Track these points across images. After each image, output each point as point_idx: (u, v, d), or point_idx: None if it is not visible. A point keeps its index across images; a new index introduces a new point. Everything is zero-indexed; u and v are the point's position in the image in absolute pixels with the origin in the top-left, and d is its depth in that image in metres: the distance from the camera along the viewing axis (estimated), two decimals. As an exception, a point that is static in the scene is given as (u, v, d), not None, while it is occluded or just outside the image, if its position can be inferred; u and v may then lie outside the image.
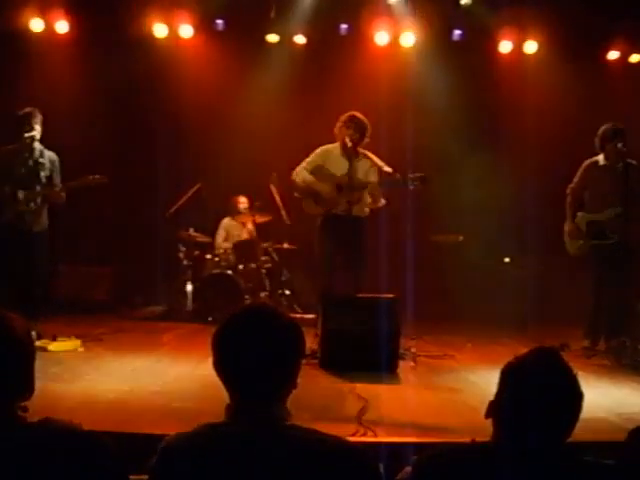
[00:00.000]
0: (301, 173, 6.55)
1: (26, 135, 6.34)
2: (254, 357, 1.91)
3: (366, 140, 6.42)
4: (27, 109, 6.42)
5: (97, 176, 6.54)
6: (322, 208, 6.49)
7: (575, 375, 1.95)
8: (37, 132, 6.41)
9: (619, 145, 6.40)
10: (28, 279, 6.44)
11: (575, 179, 6.78)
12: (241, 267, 8.27)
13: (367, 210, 6.52)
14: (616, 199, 6.40)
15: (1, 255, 6.42)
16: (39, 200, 6.48)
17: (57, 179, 6.58)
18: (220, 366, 1.96)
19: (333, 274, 6.47)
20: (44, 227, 6.57)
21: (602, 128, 6.56)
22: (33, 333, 5.84)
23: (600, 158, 6.61)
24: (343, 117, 6.44)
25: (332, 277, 6.47)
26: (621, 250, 6.39)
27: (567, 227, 6.78)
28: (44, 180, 6.51)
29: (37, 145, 6.48)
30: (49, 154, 6.58)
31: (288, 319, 2.02)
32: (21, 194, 6.41)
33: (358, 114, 6.42)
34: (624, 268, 6.40)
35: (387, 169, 6.41)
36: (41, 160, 6.48)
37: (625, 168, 6.34)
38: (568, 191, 6.79)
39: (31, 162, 6.48)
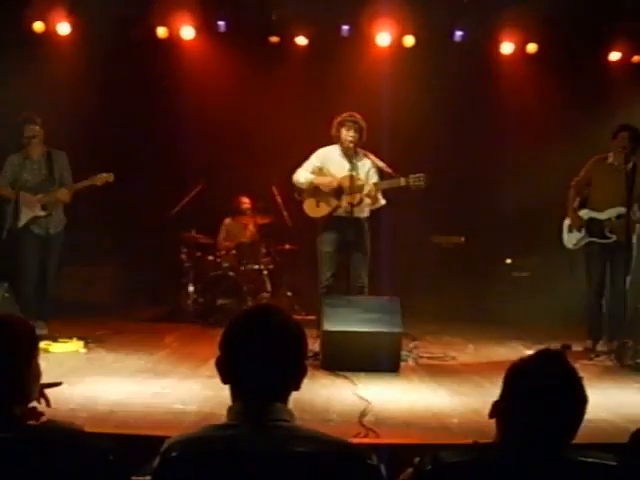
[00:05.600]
0: (301, 174, 6.55)
1: (27, 137, 6.38)
2: (260, 357, 1.91)
3: (363, 138, 6.41)
4: (25, 113, 6.47)
5: (104, 174, 6.58)
6: (323, 210, 6.48)
7: (580, 379, 1.95)
8: (39, 132, 6.46)
9: (620, 144, 6.41)
10: (41, 280, 6.51)
11: (581, 173, 6.77)
12: (243, 268, 8.27)
13: (368, 211, 6.52)
14: (620, 199, 6.38)
15: (17, 257, 6.49)
16: (53, 204, 6.54)
17: (68, 177, 6.65)
18: (226, 365, 1.96)
19: (334, 275, 6.47)
20: (60, 228, 6.66)
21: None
22: (45, 332, 5.95)
23: (610, 155, 6.60)
24: (339, 118, 6.43)
25: (333, 278, 6.46)
26: (621, 250, 6.38)
27: (567, 220, 6.77)
28: (57, 182, 6.56)
29: (43, 148, 6.53)
30: (57, 153, 6.62)
31: (294, 321, 2.03)
32: (37, 201, 6.45)
33: (354, 114, 6.41)
34: (625, 269, 6.39)
35: (388, 170, 6.40)
36: (51, 163, 6.53)
37: (633, 169, 6.31)
38: (572, 183, 6.78)
39: (42, 166, 6.53)
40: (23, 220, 6.49)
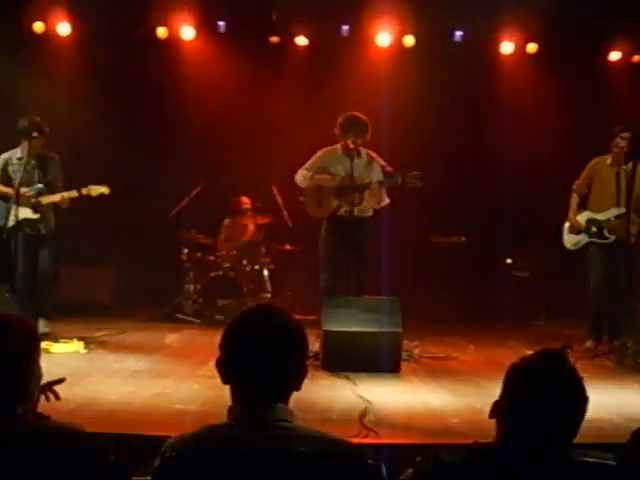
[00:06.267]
0: (303, 174, 6.56)
1: (32, 142, 6.40)
2: (261, 357, 1.91)
3: (367, 137, 6.41)
4: (37, 118, 6.48)
5: (99, 187, 6.57)
6: (325, 210, 6.47)
7: (580, 378, 1.95)
8: (43, 142, 6.49)
9: (620, 145, 6.41)
10: (37, 280, 6.51)
11: (582, 175, 6.78)
12: (243, 269, 8.27)
13: (371, 210, 6.51)
14: (619, 200, 6.38)
15: (10, 257, 6.49)
16: (45, 206, 6.54)
17: (61, 181, 6.65)
18: (226, 366, 1.96)
19: (337, 275, 6.46)
20: (51, 229, 6.65)
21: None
22: (47, 330, 5.94)
23: (609, 156, 6.60)
24: (341, 119, 6.41)
25: (336, 278, 6.45)
26: (620, 250, 6.37)
27: (567, 222, 6.79)
28: (49, 185, 6.56)
29: (40, 150, 6.54)
30: (51, 156, 6.63)
31: (295, 321, 2.03)
32: (28, 202, 6.45)
33: (356, 114, 6.38)
34: (625, 268, 6.39)
35: (388, 168, 6.41)
36: (45, 165, 6.53)
37: (633, 169, 6.31)
38: (573, 186, 6.80)
39: (37, 168, 6.53)
40: (20, 217, 6.46)
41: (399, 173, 6.32)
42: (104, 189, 6.60)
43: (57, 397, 2.55)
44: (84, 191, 6.56)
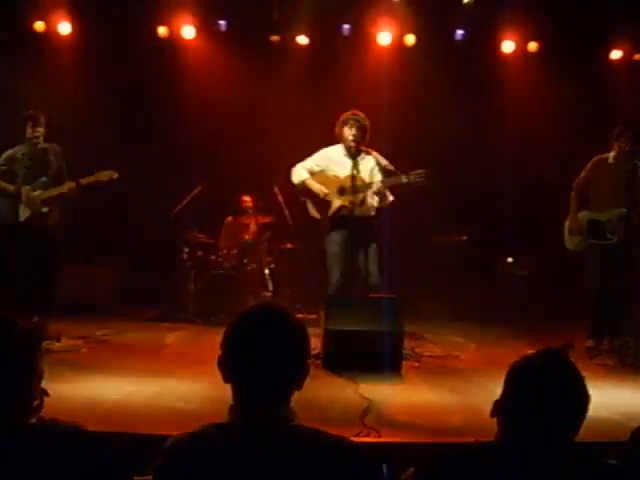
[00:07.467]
0: (298, 172, 6.53)
1: (29, 137, 6.40)
2: (262, 356, 1.91)
3: (366, 137, 6.39)
4: (30, 111, 6.47)
5: (108, 171, 6.54)
6: (328, 211, 6.45)
7: (582, 377, 1.95)
8: (41, 133, 6.47)
9: (622, 145, 6.40)
10: (44, 277, 6.49)
11: (582, 174, 6.76)
12: (244, 267, 8.27)
13: (373, 209, 6.47)
14: (620, 200, 6.37)
15: (15, 254, 6.48)
16: (51, 200, 6.53)
17: (64, 171, 6.63)
18: (228, 364, 1.95)
19: (344, 275, 6.41)
20: (57, 220, 6.62)
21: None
22: (48, 331, 5.89)
23: (610, 155, 6.58)
24: (343, 116, 6.40)
25: (343, 279, 6.40)
26: (622, 251, 6.36)
27: (568, 222, 6.77)
28: (54, 178, 6.55)
29: (42, 145, 6.54)
30: (52, 147, 6.62)
31: (297, 320, 2.02)
32: (37, 197, 6.44)
33: (357, 112, 6.38)
34: (626, 268, 6.38)
35: (390, 167, 6.39)
36: (47, 158, 6.53)
37: (633, 169, 6.29)
38: (574, 185, 6.77)
39: (39, 162, 6.53)
40: (23, 216, 6.47)
41: (402, 172, 6.29)
42: (112, 173, 6.57)
43: (45, 393, 2.57)
44: (94, 178, 6.53)
